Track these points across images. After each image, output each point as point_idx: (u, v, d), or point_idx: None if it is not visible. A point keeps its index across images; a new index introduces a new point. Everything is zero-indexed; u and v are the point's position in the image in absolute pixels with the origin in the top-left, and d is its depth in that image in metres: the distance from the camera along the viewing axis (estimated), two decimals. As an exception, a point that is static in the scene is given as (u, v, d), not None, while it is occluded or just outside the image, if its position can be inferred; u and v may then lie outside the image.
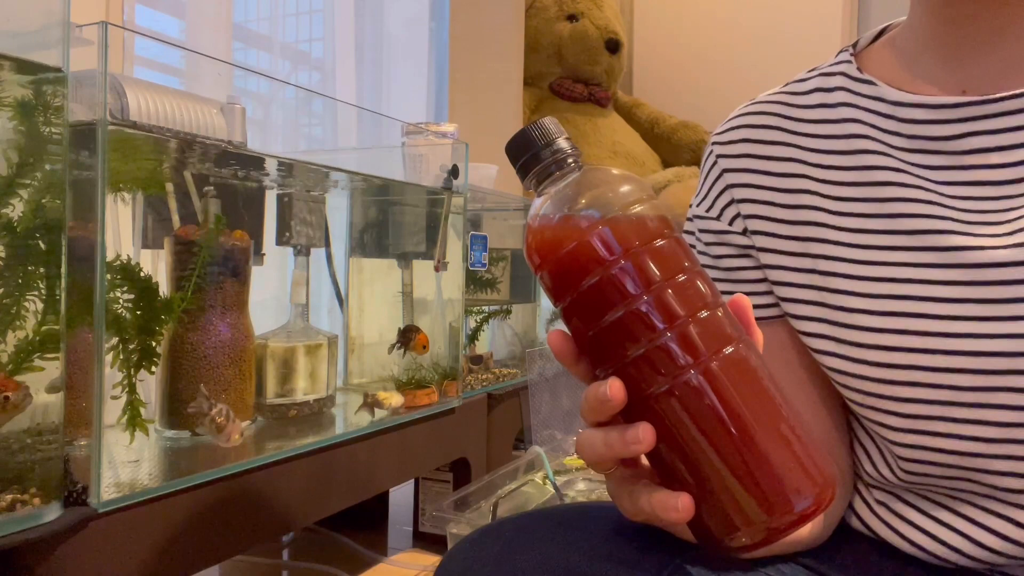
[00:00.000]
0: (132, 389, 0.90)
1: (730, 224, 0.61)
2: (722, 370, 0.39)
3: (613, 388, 0.39)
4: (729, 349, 0.40)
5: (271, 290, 1.29)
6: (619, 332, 0.40)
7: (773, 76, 0.77)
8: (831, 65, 0.62)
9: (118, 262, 0.92)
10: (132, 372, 0.91)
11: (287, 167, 1.19)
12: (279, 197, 1.21)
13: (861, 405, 0.54)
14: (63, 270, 0.72)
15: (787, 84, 0.64)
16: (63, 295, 0.72)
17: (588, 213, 0.41)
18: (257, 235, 1.15)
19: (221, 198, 1.06)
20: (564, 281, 0.41)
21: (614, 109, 2.82)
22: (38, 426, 0.72)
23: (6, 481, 0.69)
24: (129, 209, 1.04)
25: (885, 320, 0.52)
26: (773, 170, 0.60)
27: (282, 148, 1.76)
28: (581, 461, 1.49)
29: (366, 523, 1.50)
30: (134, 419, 0.90)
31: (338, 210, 1.46)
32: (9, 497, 0.68)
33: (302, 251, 1.23)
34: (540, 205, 0.43)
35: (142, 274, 0.93)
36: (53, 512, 0.71)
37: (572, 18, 2.60)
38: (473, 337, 1.68)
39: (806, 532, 0.54)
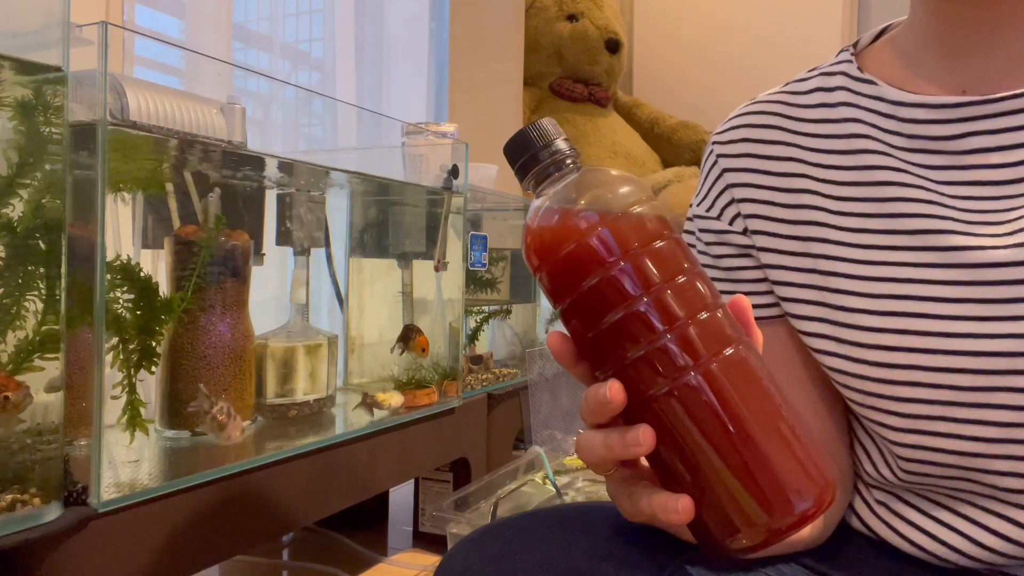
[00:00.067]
0: (132, 389, 0.90)
1: (730, 224, 0.61)
2: (722, 371, 0.39)
3: (613, 390, 0.39)
4: (729, 350, 0.40)
5: (271, 290, 1.29)
6: (619, 334, 0.40)
7: (773, 76, 0.77)
8: (832, 65, 0.62)
9: (118, 262, 0.92)
10: (132, 372, 0.91)
11: (287, 167, 1.19)
12: (279, 197, 1.21)
13: (861, 405, 0.54)
14: (63, 270, 0.72)
15: (787, 84, 0.64)
16: (63, 295, 0.72)
17: (587, 214, 0.41)
18: (257, 235, 1.15)
19: (221, 198, 1.06)
20: (563, 283, 0.41)
21: (614, 109, 2.82)
22: (38, 426, 0.72)
23: (6, 481, 0.69)
24: (129, 209, 1.04)
25: (885, 320, 0.52)
26: (773, 170, 0.60)
27: (282, 148, 1.76)
28: (581, 461, 1.49)
29: (366, 523, 1.50)
30: (134, 419, 0.90)
31: (338, 210, 1.46)
32: (9, 497, 0.68)
33: (302, 251, 1.23)
34: (539, 206, 0.43)
35: (142, 274, 0.93)
36: (53, 512, 0.71)
37: (572, 18, 2.60)
38: (473, 337, 1.68)
39: (806, 532, 0.54)
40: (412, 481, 1.45)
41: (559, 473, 1.44)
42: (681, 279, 0.40)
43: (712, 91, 2.82)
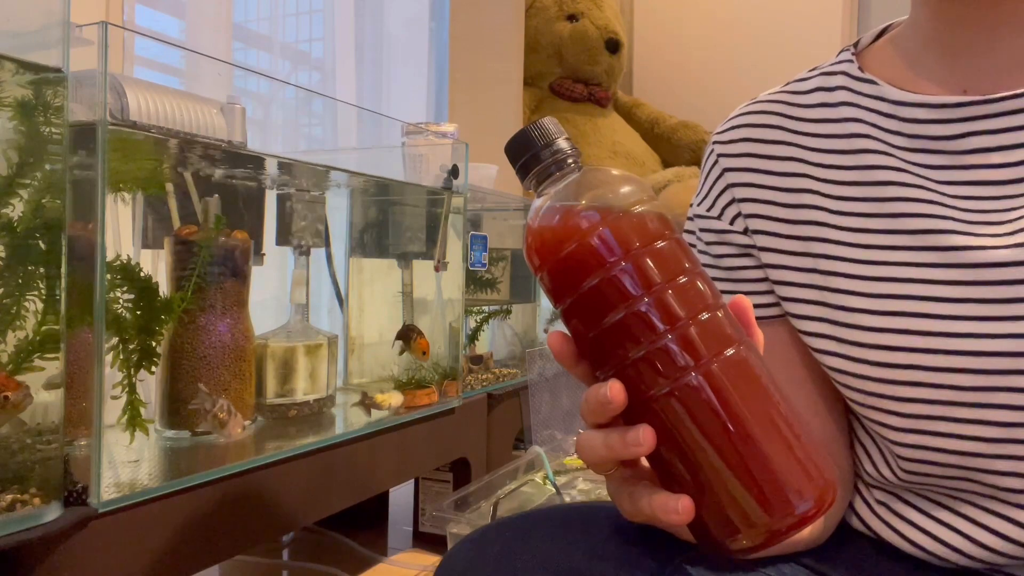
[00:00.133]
0: (132, 389, 0.90)
1: (731, 223, 0.61)
2: (723, 372, 0.39)
3: (613, 390, 0.39)
4: (730, 351, 0.40)
5: (271, 290, 1.29)
6: (619, 334, 0.40)
7: (773, 76, 0.77)
8: (832, 64, 0.62)
9: (118, 262, 0.92)
10: (132, 372, 0.91)
11: (287, 167, 1.18)
12: (279, 197, 1.21)
13: (862, 405, 0.54)
14: (63, 270, 0.72)
15: (788, 83, 0.64)
16: (63, 295, 0.72)
17: (588, 214, 0.41)
18: (257, 235, 1.15)
19: (221, 198, 1.06)
20: (564, 282, 0.41)
21: (614, 109, 2.82)
22: (38, 426, 0.72)
23: (6, 481, 0.69)
24: (129, 209, 1.04)
25: (886, 320, 0.52)
26: (774, 169, 0.60)
27: (282, 148, 1.76)
28: (581, 461, 1.49)
29: (366, 523, 1.50)
30: (134, 419, 0.90)
31: (338, 210, 1.46)
32: (9, 497, 0.68)
33: (302, 251, 1.23)
34: (540, 206, 0.43)
35: (142, 274, 0.93)
36: (53, 512, 0.70)
37: (572, 18, 2.60)
38: (473, 337, 1.68)
39: (806, 532, 0.54)
40: (412, 481, 1.45)
41: (559, 473, 1.44)
42: (682, 279, 0.40)
43: (712, 91, 2.82)
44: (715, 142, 0.64)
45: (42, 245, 0.71)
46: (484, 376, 1.57)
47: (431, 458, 1.32)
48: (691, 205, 0.66)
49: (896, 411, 0.52)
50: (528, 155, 0.43)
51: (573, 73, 2.65)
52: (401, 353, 1.33)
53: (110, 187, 0.92)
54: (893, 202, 0.54)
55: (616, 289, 0.40)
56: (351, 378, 1.47)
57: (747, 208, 0.60)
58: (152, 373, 0.95)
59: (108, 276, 0.84)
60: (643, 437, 0.39)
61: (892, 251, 0.53)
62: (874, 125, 0.57)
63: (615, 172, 0.43)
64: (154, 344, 0.94)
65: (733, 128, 0.63)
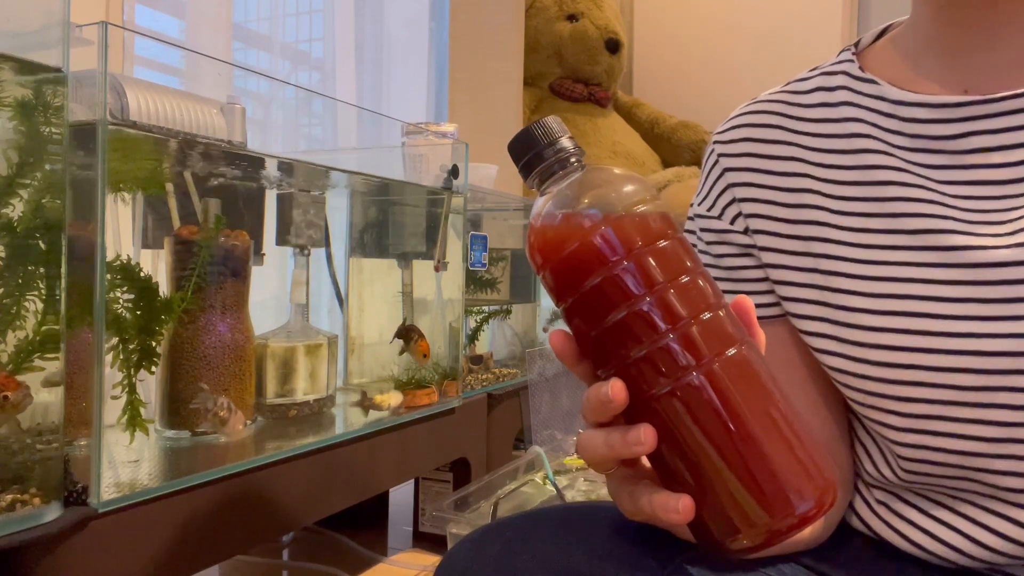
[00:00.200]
0: (132, 389, 0.90)
1: (731, 223, 0.61)
2: (724, 372, 0.39)
3: (615, 389, 0.39)
4: (732, 351, 0.40)
5: (271, 290, 1.29)
6: (621, 333, 0.40)
7: (773, 76, 0.77)
8: (833, 64, 0.62)
9: (118, 262, 0.92)
10: (132, 372, 0.91)
11: (287, 167, 1.18)
12: (279, 197, 1.21)
13: (863, 405, 0.54)
14: (63, 270, 0.72)
15: (788, 83, 0.64)
16: (63, 295, 0.72)
17: (591, 213, 0.41)
18: (257, 235, 1.14)
19: (221, 198, 1.06)
20: (566, 281, 0.41)
21: (614, 109, 2.82)
22: (38, 426, 0.72)
23: (6, 481, 0.69)
24: (129, 209, 1.04)
25: (887, 320, 0.52)
26: (775, 169, 0.60)
27: (282, 148, 1.76)
28: (581, 461, 1.49)
29: (366, 523, 1.50)
30: (134, 419, 0.90)
31: (338, 210, 1.46)
32: (9, 497, 0.68)
33: (302, 251, 1.23)
34: (543, 205, 0.43)
35: (142, 274, 0.93)
36: (53, 512, 0.70)
37: (572, 18, 2.60)
38: (473, 337, 1.68)
39: (807, 532, 0.54)
40: (412, 481, 1.45)
41: (559, 473, 1.44)
42: (684, 279, 0.40)
43: (712, 91, 2.82)
44: (715, 142, 0.64)
45: (42, 245, 0.71)
46: (484, 376, 1.57)
47: (431, 458, 1.32)
48: (691, 205, 0.66)
49: (897, 411, 0.52)
50: (531, 154, 0.43)
51: (573, 73, 2.65)
52: (401, 353, 1.33)
53: (110, 187, 0.92)
54: (894, 202, 0.54)
55: (618, 288, 0.40)
56: (351, 378, 1.47)
57: (748, 208, 0.60)
58: (152, 373, 0.95)
59: (108, 276, 0.84)
60: (644, 436, 0.39)
61: (893, 251, 0.53)
62: (875, 125, 0.57)
63: (618, 171, 0.43)
64: (154, 344, 0.94)
65: (734, 128, 0.63)
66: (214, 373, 1.00)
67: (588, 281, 0.40)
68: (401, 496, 1.57)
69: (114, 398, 0.88)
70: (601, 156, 2.59)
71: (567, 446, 1.63)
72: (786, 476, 0.39)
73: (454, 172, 1.38)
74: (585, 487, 1.41)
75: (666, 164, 2.76)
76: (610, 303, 0.40)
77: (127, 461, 0.90)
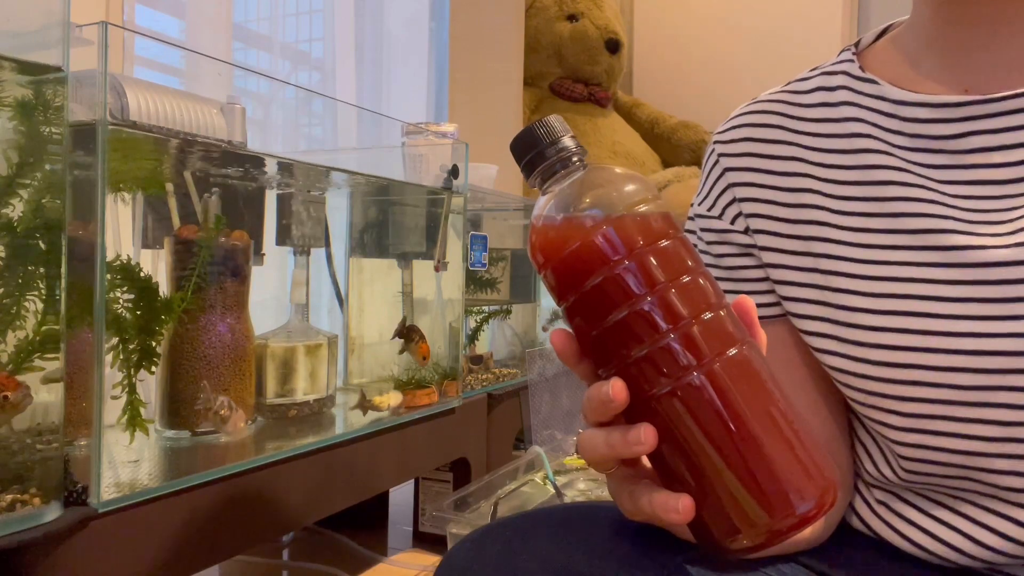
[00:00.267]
0: (132, 389, 0.90)
1: (732, 223, 0.61)
2: (725, 372, 0.39)
3: (615, 388, 0.39)
4: (732, 351, 0.40)
5: (271, 290, 1.29)
6: (622, 332, 0.40)
7: (773, 76, 0.77)
8: (833, 64, 0.62)
9: (118, 262, 0.92)
10: (132, 372, 0.91)
11: (287, 167, 1.18)
12: (279, 197, 1.21)
13: (863, 405, 0.54)
14: (63, 270, 0.72)
15: (789, 83, 0.64)
16: (63, 295, 0.72)
17: (592, 212, 0.41)
18: (257, 235, 1.14)
19: (221, 198, 1.06)
20: (568, 281, 0.41)
21: (614, 109, 2.82)
22: (38, 426, 0.72)
23: (6, 481, 0.69)
24: (129, 209, 1.04)
25: (887, 319, 0.52)
26: (775, 169, 0.60)
27: (282, 148, 1.76)
28: (581, 461, 1.49)
29: (366, 523, 1.50)
30: (134, 419, 0.90)
31: (338, 210, 1.46)
32: (9, 497, 0.68)
33: (302, 251, 1.23)
34: (544, 204, 0.43)
35: (142, 274, 0.93)
36: (53, 512, 0.70)
37: (572, 18, 2.61)
38: (473, 337, 1.68)
39: (807, 532, 0.54)
40: (412, 481, 1.45)
41: (559, 473, 1.44)
42: (685, 278, 0.40)
43: (712, 91, 2.82)
44: (716, 142, 0.64)
45: (42, 245, 0.71)
46: (484, 376, 1.57)
47: (431, 458, 1.32)
48: (692, 205, 0.66)
49: (897, 410, 0.52)
50: (533, 153, 0.43)
51: (573, 73, 2.65)
52: (402, 351, 1.33)
53: (110, 187, 0.92)
54: (894, 202, 0.54)
55: (619, 288, 0.40)
56: (351, 378, 1.47)
57: (748, 208, 0.60)
58: (152, 373, 0.95)
59: (108, 276, 0.84)
60: (644, 436, 0.39)
61: (893, 251, 0.53)
62: (875, 125, 0.57)
63: (619, 171, 0.43)
64: (154, 344, 0.94)
65: (734, 128, 0.63)
66: (214, 373, 1.00)
67: (589, 280, 0.40)
68: (401, 496, 1.57)
69: (114, 398, 0.88)
70: (601, 156, 2.59)
71: (567, 446, 1.63)
72: (786, 476, 0.39)
73: (454, 172, 1.38)
74: (585, 487, 1.41)
75: (666, 164, 2.76)
76: (611, 302, 0.40)
77: (127, 461, 0.90)
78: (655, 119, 2.84)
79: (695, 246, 0.64)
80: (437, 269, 1.42)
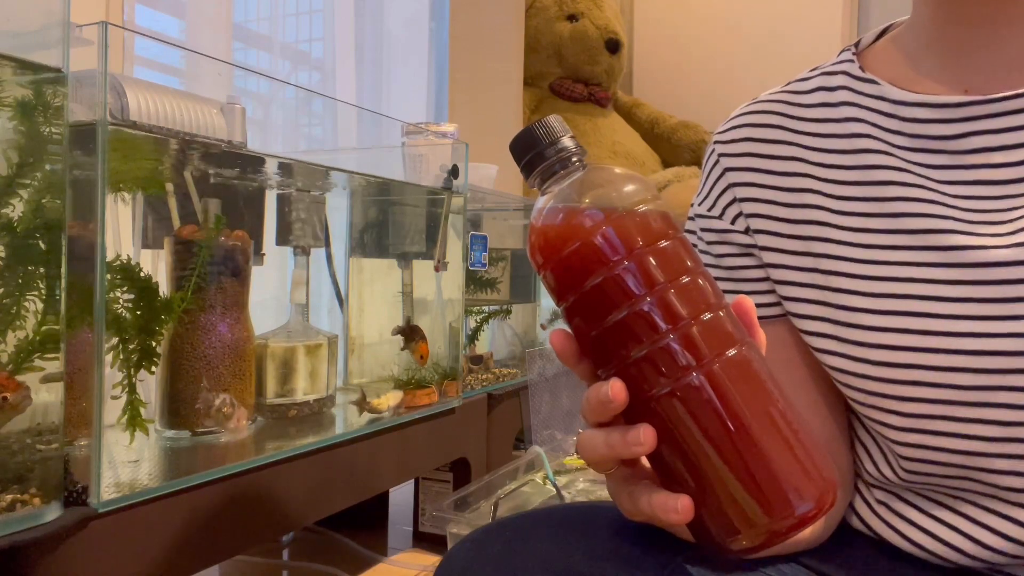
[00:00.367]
0: (132, 389, 0.90)
1: (732, 223, 0.61)
2: (725, 372, 0.39)
3: (615, 389, 0.39)
4: (732, 351, 0.40)
5: (271, 290, 1.29)
6: (622, 333, 0.40)
7: (773, 76, 0.77)
8: (833, 64, 0.62)
9: (118, 262, 0.92)
10: (132, 372, 0.91)
11: (287, 167, 1.18)
12: (279, 197, 1.21)
13: (863, 405, 0.54)
14: (63, 270, 0.72)
15: (789, 83, 0.64)
16: (63, 295, 0.72)
17: (592, 213, 0.41)
18: (257, 235, 1.15)
19: (221, 198, 1.06)
20: (567, 281, 0.41)
21: (614, 109, 2.82)
22: (38, 426, 0.72)
23: (6, 481, 0.69)
24: (129, 209, 1.04)
25: (888, 319, 0.52)
26: (775, 169, 0.60)
27: (282, 148, 1.75)
28: (581, 461, 1.49)
29: (366, 523, 1.50)
30: (134, 419, 0.90)
31: (338, 210, 1.46)
32: (9, 497, 0.68)
33: (302, 251, 1.23)
34: (544, 204, 0.43)
35: (142, 274, 0.93)
36: (53, 512, 0.70)
37: (572, 18, 2.60)
38: (473, 337, 1.68)
39: (807, 532, 0.54)
40: (412, 481, 1.45)
41: (559, 473, 1.44)
42: (685, 279, 0.40)
43: (712, 91, 2.82)
44: (716, 142, 0.64)
45: (42, 245, 0.71)
46: (484, 376, 1.57)
47: (431, 458, 1.32)
48: (692, 205, 0.66)
49: (897, 411, 0.52)
50: (533, 153, 0.43)
51: (573, 73, 2.65)
52: (402, 349, 1.33)
53: (110, 187, 0.92)
54: (894, 202, 0.54)
55: (619, 288, 0.40)
56: (351, 378, 1.47)
57: (748, 208, 0.60)
58: (152, 373, 0.95)
59: (108, 276, 0.84)
60: (644, 436, 0.39)
61: (893, 251, 0.53)
62: (875, 125, 0.57)
63: (619, 171, 0.43)
64: (154, 344, 0.94)
65: (734, 128, 0.63)
66: (214, 373, 1.00)
67: (589, 281, 0.40)
68: (401, 496, 1.57)
69: (114, 398, 0.88)
70: (601, 156, 2.59)
71: (567, 446, 1.63)
72: (786, 476, 0.39)
73: (454, 172, 1.38)
74: (585, 487, 1.41)
75: (666, 164, 2.76)
76: (611, 303, 0.40)
77: (127, 461, 0.90)
78: (655, 119, 2.84)
79: (695, 246, 0.64)
80: (437, 269, 1.42)
